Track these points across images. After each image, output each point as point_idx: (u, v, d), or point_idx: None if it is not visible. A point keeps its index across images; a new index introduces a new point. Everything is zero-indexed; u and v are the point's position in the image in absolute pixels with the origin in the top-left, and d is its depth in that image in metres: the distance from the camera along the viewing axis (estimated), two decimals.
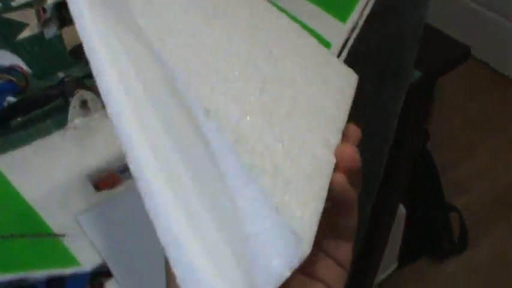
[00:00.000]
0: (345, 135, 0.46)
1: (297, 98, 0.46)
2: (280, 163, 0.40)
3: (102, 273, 0.68)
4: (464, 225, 1.71)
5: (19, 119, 0.85)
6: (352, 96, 0.52)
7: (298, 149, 0.42)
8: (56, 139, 0.82)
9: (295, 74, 0.49)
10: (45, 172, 0.77)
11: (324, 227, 0.41)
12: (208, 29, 0.48)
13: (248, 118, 0.41)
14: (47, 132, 0.83)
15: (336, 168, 0.42)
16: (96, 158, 0.79)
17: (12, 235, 0.71)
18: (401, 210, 1.42)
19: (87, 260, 0.68)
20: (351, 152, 0.43)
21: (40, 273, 0.67)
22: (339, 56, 0.92)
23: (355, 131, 0.47)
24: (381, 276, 1.57)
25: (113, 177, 0.77)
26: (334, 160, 0.43)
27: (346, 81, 0.53)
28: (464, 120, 2.04)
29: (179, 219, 0.39)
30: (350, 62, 0.91)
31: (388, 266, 1.58)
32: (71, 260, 0.68)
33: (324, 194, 0.40)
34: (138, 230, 0.71)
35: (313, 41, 0.56)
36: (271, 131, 0.42)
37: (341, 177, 0.42)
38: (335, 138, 0.45)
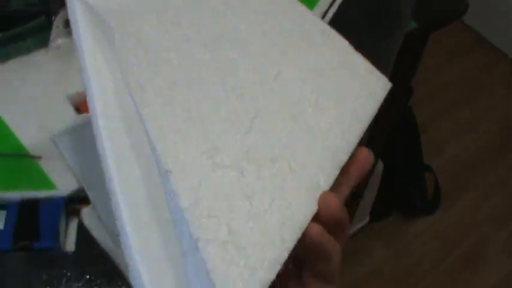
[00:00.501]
0: (353, 160, 0.44)
1: (294, 130, 0.44)
2: (239, 226, 0.38)
3: (79, 199, 0.66)
4: (438, 186, 1.72)
5: None
6: (375, 109, 0.49)
7: (271, 201, 0.40)
8: (36, 58, 0.78)
9: (302, 100, 0.46)
10: (23, 90, 0.74)
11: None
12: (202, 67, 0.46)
13: (218, 173, 0.40)
14: (27, 51, 0.79)
15: (316, 217, 0.40)
16: (77, 80, 0.75)
17: None
18: (379, 165, 1.42)
19: (63, 184, 0.65)
20: (333, 204, 0.40)
21: (13, 195, 0.64)
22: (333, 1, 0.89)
23: (366, 158, 0.44)
24: (352, 229, 1.57)
25: None
26: (314, 209, 0.40)
27: (370, 94, 0.50)
28: (443, 82, 2.03)
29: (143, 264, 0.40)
30: (345, 9, 0.89)
31: (359, 220, 1.59)
32: (47, 183, 0.65)
33: (290, 245, 0.38)
34: None
35: (343, 45, 0.53)
36: (243, 183, 0.40)
37: (316, 229, 0.39)
38: (328, 179, 0.42)
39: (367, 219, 1.61)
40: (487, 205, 1.75)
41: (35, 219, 0.63)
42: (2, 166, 0.66)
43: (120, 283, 0.59)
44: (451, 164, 1.82)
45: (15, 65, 0.76)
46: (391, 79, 0.87)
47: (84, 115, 0.72)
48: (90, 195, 0.64)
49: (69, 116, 0.71)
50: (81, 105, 0.73)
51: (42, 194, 0.64)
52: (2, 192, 0.64)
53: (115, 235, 0.62)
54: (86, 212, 0.64)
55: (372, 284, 1.55)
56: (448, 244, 1.65)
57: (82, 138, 0.69)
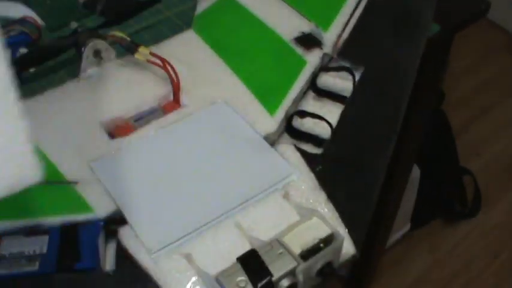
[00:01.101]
0: None
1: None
2: None
3: (116, 220, 0.68)
4: (477, 188, 1.70)
5: (31, 70, 0.85)
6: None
7: None
8: (68, 88, 0.81)
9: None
10: (58, 121, 0.77)
11: None
12: None
13: None
14: (59, 83, 0.82)
15: None
16: (109, 106, 0.78)
17: None
18: (416, 171, 1.41)
19: (100, 207, 0.67)
20: None
21: (53, 220, 0.67)
22: (356, 7, 0.90)
23: None
24: (393, 237, 1.57)
25: (126, 126, 0.77)
26: None
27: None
28: (477, 83, 2.01)
29: None
30: (366, 13, 0.90)
31: (400, 228, 1.58)
32: (84, 207, 0.68)
33: None
34: (152, 176, 0.71)
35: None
36: None
37: None
38: None
39: (408, 226, 1.60)
40: None
41: (75, 241, 0.66)
42: (42, 193, 0.69)
43: None
44: (489, 165, 1.80)
45: (49, 97, 0.80)
46: (417, 85, 0.87)
47: (117, 139, 0.74)
48: (127, 215, 0.67)
49: (103, 142, 0.74)
50: (114, 131, 0.76)
51: (80, 217, 0.67)
52: (43, 218, 0.67)
53: (152, 253, 0.64)
54: (123, 231, 0.66)
55: None
56: (494, 247, 1.63)
57: (117, 162, 0.72)
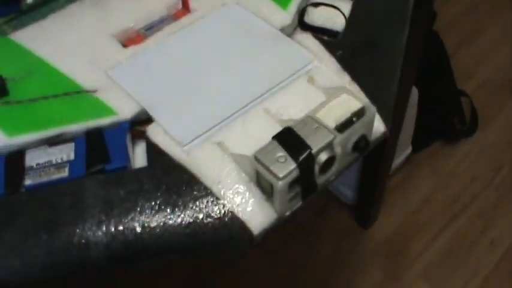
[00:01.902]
0: None
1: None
2: None
3: (141, 121, 0.67)
4: (474, 108, 1.71)
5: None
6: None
7: None
8: (73, 10, 0.80)
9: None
10: (68, 38, 0.75)
11: None
12: None
13: None
14: (61, 8, 0.80)
15: None
16: (118, 19, 0.77)
17: (43, 97, 0.69)
18: (414, 92, 1.41)
19: (124, 110, 0.67)
20: None
21: (77, 127, 0.66)
22: None
23: None
24: (396, 162, 1.57)
25: (138, 35, 0.76)
26: None
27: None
28: (466, 6, 2.00)
29: None
30: None
31: (402, 151, 1.59)
32: (107, 111, 0.67)
33: None
34: (173, 76, 0.70)
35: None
36: None
37: None
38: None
39: (409, 149, 1.61)
40: None
41: (102, 145, 0.65)
42: (61, 105, 0.68)
43: (196, 187, 0.61)
44: (482, 86, 1.81)
45: (54, 20, 0.78)
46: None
47: (131, 48, 0.73)
48: (153, 113, 0.66)
49: (117, 51, 0.73)
50: (126, 41, 0.75)
51: (104, 121, 0.66)
52: (66, 126, 0.66)
53: (183, 145, 0.63)
54: (152, 129, 0.65)
55: (426, 212, 1.55)
56: (494, 163, 1.65)
57: (135, 67, 0.71)
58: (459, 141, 1.70)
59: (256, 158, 0.57)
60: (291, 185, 0.57)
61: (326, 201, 1.57)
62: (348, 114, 0.60)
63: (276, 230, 0.60)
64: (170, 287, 1.41)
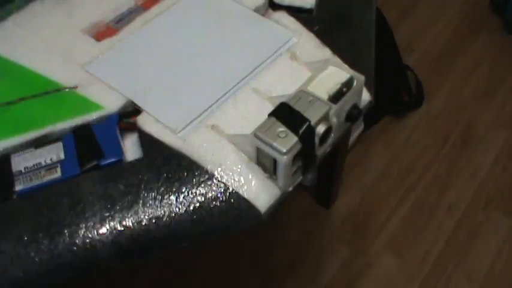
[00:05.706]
0: None
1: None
2: None
3: (127, 114, 0.66)
4: (418, 80, 1.75)
5: None
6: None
7: None
8: (35, 9, 0.77)
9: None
10: (37, 38, 0.73)
11: None
12: None
13: None
14: (18, 9, 0.78)
15: None
16: (85, 15, 0.75)
17: (21, 98, 0.67)
18: None
19: (109, 103, 0.65)
20: None
21: (63, 125, 0.64)
22: None
23: None
24: (350, 140, 1.60)
25: (108, 29, 0.74)
26: None
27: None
28: None
29: None
30: None
31: (355, 130, 1.61)
32: (92, 106, 0.65)
33: None
34: (154, 65, 0.69)
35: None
36: None
37: None
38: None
39: (361, 126, 1.64)
40: (467, 88, 1.80)
41: (93, 141, 0.63)
42: (42, 104, 0.66)
43: (198, 172, 0.60)
44: (423, 59, 1.86)
45: (16, 21, 0.75)
46: None
47: (105, 41, 0.72)
48: (140, 103, 0.65)
49: (91, 46, 0.71)
50: (98, 35, 0.73)
51: (92, 116, 0.64)
52: (51, 126, 0.64)
53: (177, 132, 0.62)
54: (142, 120, 0.64)
55: (384, 185, 1.59)
56: (442, 132, 1.70)
57: (113, 59, 0.70)
58: (408, 114, 1.74)
59: (257, 136, 0.57)
60: (294, 159, 0.57)
61: None
62: (338, 85, 0.61)
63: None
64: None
